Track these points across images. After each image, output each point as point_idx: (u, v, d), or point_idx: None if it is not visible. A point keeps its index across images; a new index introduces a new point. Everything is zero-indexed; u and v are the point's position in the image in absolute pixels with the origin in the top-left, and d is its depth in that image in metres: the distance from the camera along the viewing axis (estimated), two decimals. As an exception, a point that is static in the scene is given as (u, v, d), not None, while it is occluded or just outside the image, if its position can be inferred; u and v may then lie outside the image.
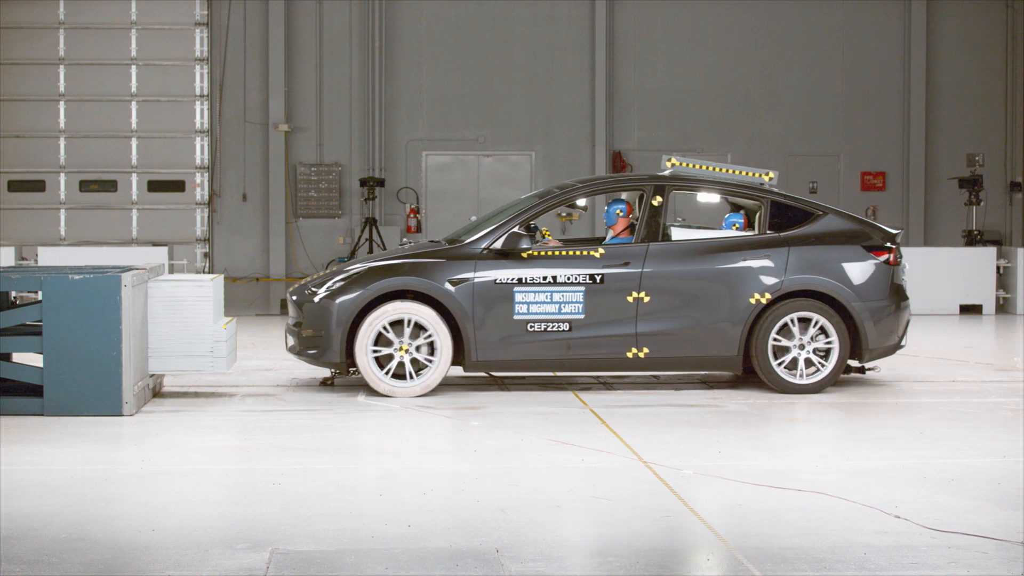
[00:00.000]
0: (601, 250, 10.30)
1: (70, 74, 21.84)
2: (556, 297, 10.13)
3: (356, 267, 10.32)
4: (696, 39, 22.74)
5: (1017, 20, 23.04)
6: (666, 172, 10.97)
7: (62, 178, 21.92)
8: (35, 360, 9.61)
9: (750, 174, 11.01)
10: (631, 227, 10.81)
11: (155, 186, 21.99)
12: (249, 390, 10.47)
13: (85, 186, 21.92)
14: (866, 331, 10.37)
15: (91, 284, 9.11)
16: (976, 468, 7.44)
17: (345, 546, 5.69)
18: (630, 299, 10.21)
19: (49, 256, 18.30)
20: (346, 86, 22.21)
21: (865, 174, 23.17)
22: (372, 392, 10.36)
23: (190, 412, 9.44)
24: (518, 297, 10.11)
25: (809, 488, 6.80)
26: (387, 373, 10.05)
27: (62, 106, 21.86)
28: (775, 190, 10.91)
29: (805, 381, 10.30)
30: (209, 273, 19.41)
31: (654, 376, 11.40)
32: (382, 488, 6.83)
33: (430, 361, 10.08)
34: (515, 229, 10.27)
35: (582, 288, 10.16)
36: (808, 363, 10.33)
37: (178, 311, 9.73)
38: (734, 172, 11.00)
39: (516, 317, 10.12)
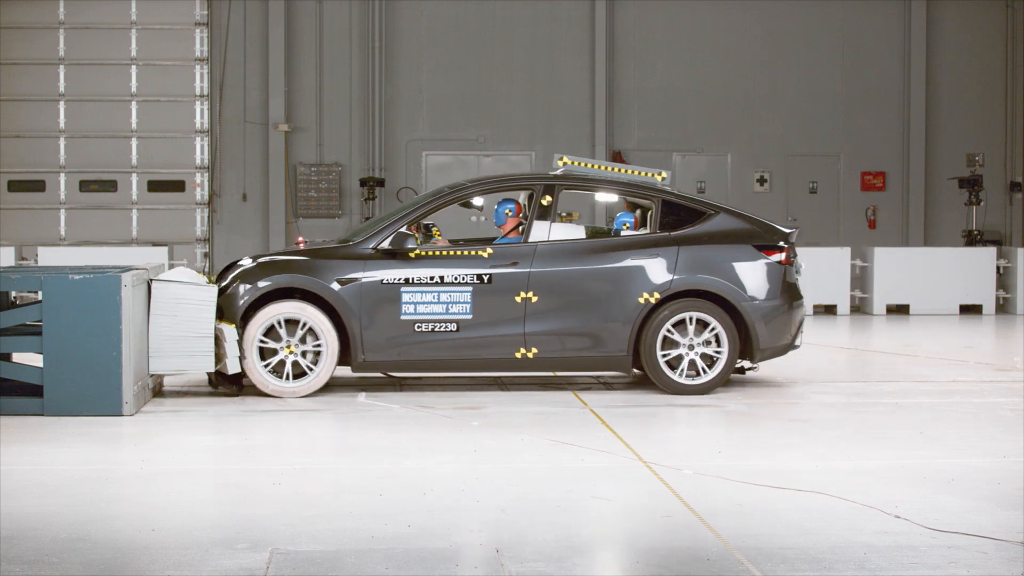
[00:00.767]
0: (489, 250, 10.22)
1: (70, 74, 21.85)
2: (443, 297, 10.08)
3: (247, 263, 10.26)
4: (696, 39, 22.75)
5: (1017, 20, 23.04)
6: (558, 171, 10.83)
7: (62, 178, 21.93)
8: (35, 360, 9.61)
9: (644, 174, 10.89)
10: (520, 227, 10.73)
11: (155, 186, 22.00)
12: (249, 390, 10.47)
13: (85, 186, 21.93)
14: (757, 331, 10.29)
15: (91, 284, 9.11)
16: (976, 468, 7.43)
17: (345, 546, 5.69)
18: (518, 299, 10.14)
19: (49, 256, 18.29)
20: (346, 86, 22.22)
21: (865, 174, 23.17)
22: (372, 393, 10.36)
23: (190, 412, 9.44)
24: (405, 297, 10.04)
25: (809, 488, 6.80)
26: (270, 370, 9.97)
27: (62, 106, 21.86)
28: (667, 189, 10.80)
29: (692, 382, 10.23)
30: (208, 273, 19.40)
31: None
32: (382, 488, 6.83)
33: (314, 364, 10.04)
34: (402, 229, 10.19)
35: (470, 288, 10.10)
36: (697, 363, 10.25)
37: (180, 311, 9.74)
38: (628, 172, 10.86)
39: (403, 317, 10.05)
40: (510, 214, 10.86)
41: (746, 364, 10.68)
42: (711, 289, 10.28)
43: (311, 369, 10.05)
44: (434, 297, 10.07)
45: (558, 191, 10.50)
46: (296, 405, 9.77)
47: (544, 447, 8.07)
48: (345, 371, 11.58)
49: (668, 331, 10.20)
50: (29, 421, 8.93)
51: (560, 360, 10.28)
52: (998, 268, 19.36)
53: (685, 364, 10.23)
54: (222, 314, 9.90)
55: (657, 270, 10.25)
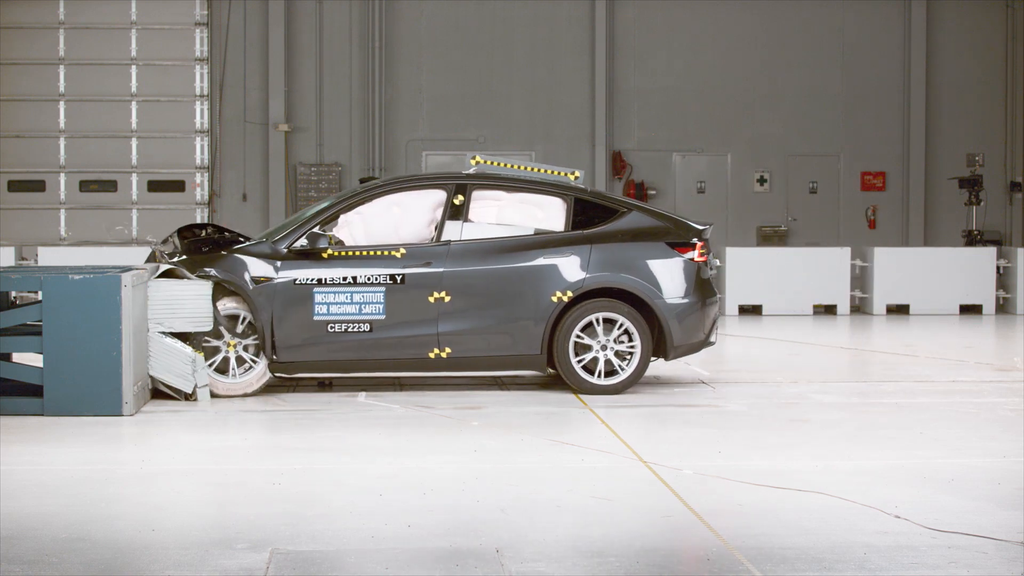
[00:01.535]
0: (402, 250, 10.17)
1: (70, 74, 21.85)
2: (356, 298, 10.04)
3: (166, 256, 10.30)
4: (696, 39, 22.75)
5: (1017, 20, 23.04)
6: (471, 170, 10.79)
7: (62, 178, 21.93)
8: (35, 360, 9.61)
9: (558, 173, 10.78)
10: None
11: (155, 186, 22.01)
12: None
13: (85, 186, 21.93)
14: (670, 328, 10.28)
15: (91, 284, 9.11)
16: (976, 468, 7.43)
17: (345, 546, 5.68)
18: (431, 299, 10.11)
19: (49, 256, 18.29)
20: (346, 86, 22.22)
21: (865, 174, 23.17)
22: (372, 393, 10.36)
23: (190, 412, 9.44)
24: (318, 298, 10.00)
25: (809, 488, 6.80)
26: (211, 366, 9.97)
27: (62, 106, 21.87)
28: (580, 187, 10.71)
29: (605, 382, 10.22)
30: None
31: (655, 376, 11.40)
32: (382, 488, 6.83)
33: (255, 360, 10.06)
34: (315, 229, 10.14)
35: (383, 288, 10.06)
36: (610, 363, 10.26)
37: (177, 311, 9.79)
38: (540, 171, 10.79)
39: (316, 318, 10.01)
40: None
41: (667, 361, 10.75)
42: (624, 287, 10.28)
43: (256, 362, 10.07)
44: (347, 297, 10.04)
45: (470, 190, 10.42)
46: (297, 405, 9.77)
47: (544, 447, 8.07)
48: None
49: (578, 336, 10.19)
50: (29, 421, 8.93)
51: (474, 360, 10.26)
52: (998, 268, 19.36)
53: (601, 365, 10.22)
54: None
55: (570, 268, 10.24)
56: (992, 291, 19.14)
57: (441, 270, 10.14)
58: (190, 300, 9.80)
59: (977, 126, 23.13)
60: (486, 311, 10.18)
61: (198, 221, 21.71)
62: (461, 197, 10.38)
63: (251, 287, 9.95)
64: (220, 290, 10.00)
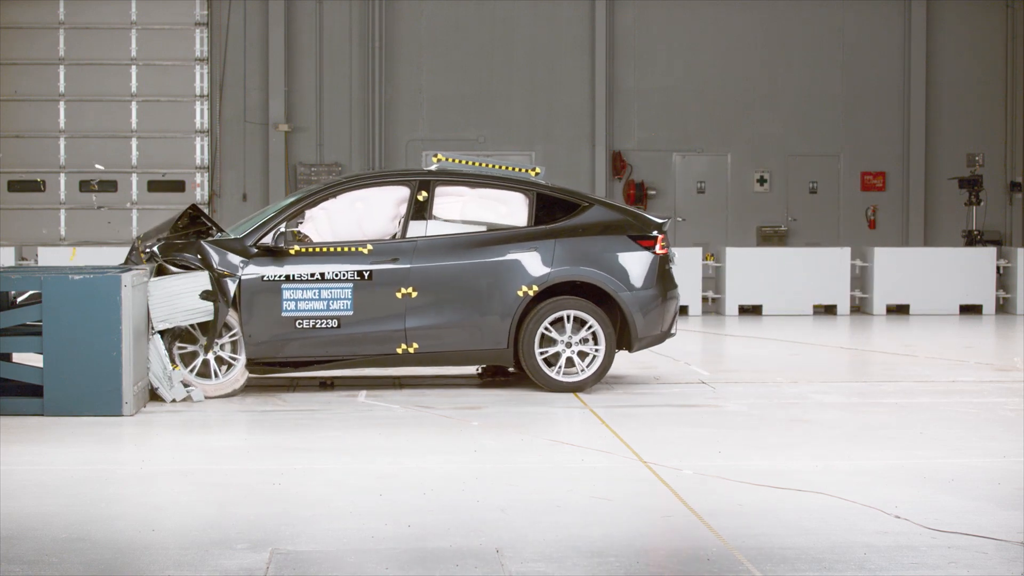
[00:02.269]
0: (369, 246, 10.20)
1: (70, 74, 21.85)
2: (324, 294, 10.06)
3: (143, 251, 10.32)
4: (696, 39, 22.75)
5: (1017, 20, 23.04)
6: (432, 167, 10.86)
7: (62, 178, 21.92)
8: (35, 360, 9.61)
9: (518, 170, 10.87)
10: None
11: (155, 186, 22.01)
12: (249, 390, 10.47)
13: (85, 186, 21.92)
14: (635, 321, 10.40)
15: (91, 284, 9.11)
16: (976, 468, 7.43)
17: (345, 546, 5.68)
18: (399, 295, 10.16)
19: (49, 256, 18.29)
20: (346, 86, 22.22)
21: (865, 174, 23.17)
22: (372, 393, 10.37)
23: (190, 412, 9.44)
24: (286, 294, 10.02)
25: (809, 488, 6.80)
26: (192, 371, 9.98)
27: (62, 106, 21.87)
28: (541, 182, 10.78)
29: (570, 379, 10.33)
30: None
31: (655, 376, 11.41)
32: (382, 488, 6.83)
33: (235, 358, 10.05)
34: (281, 226, 10.14)
35: (350, 285, 10.09)
36: (574, 360, 10.34)
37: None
38: (502, 168, 10.85)
39: (284, 314, 10.03)
40: None
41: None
42: (589, 280, 10.37)
43: (235, 360, 10.07)
44: (315, 294, 10.06)
45: (434, 187, 10.46)
46: (297, 405, 9.78)
47: (544, 447, 8.07)
48: (348, 372, 11.59)
49: (546, 329, 10.28)
50: (29, 421, 8.93)
51: (442, 355, 10.31)
52: (998, 268, 19.36)
53: (563, 361, 10.32)
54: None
55: (535, 263, 10.32)
56: (992, 291, 19.15)
57: (408, 266, 10.18)
58: (189, 293, 9.80)
59: (977, 126, 23.13)
60: (453, 306, 10.24)
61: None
62: (425, 193, 10.42)
63: (222, 280, 9.93)
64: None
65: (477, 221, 10.49)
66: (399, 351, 10.19)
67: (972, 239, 21.11)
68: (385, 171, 11.14)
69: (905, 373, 11.85)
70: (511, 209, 10.57)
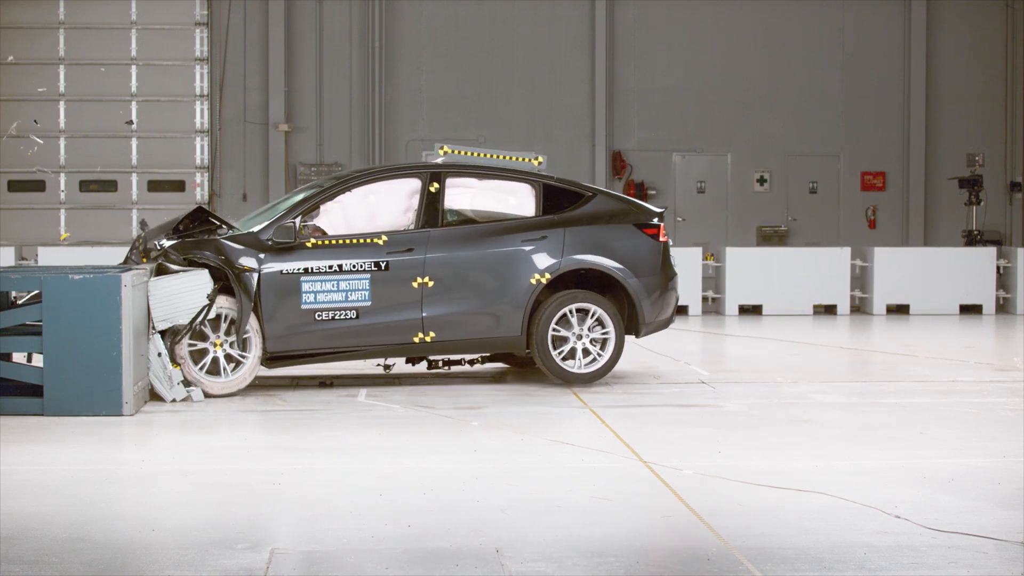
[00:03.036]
0: (384, 237, 10.29)
1: (70, 74, 21.84)
2: (343, 285, 10.14)
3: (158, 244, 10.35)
4: (696, 39, 22.75)
5: (1017, 20, 23.04)
6: (439, 159, 10.97)
7: (62, 178, 21.92)
8: (35, 360, 9.60)
9: (520, 159, 11.04)
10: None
11: (155, 186, 22.00)
12: (249, 390, 10.46)
13: (85, 186, 21.92)
14: (642, 307, 10.66)
15: (91, 284, 9.11)
16: (976, 468, 7.43)
17: (345, 546, 5.68)
18: (415, 284, 10.27)
19: (49, 256, 18.29)
20: (346, 86, 22.22)
21: (865, 174, 23.17)
22: (373, 393, 10.37)
23: (190, 412, 9.44)
24: (305, 287, 10.08)
25: (809, 488, 6.80)
26: (202, 369, 9.99)
27: (62, 106, 21.87)
28: (546, 173, 10.99)
29: (583, 370, 10.55)
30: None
31: (655, 376, 11.41)
32: (382, 488, 6.82)
33: (244, 356, 10.07)
34: (297, 219, 10.19)
35: (368, 275, 10.18)
36: (586, 350, 10.55)
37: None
38: (505, 158, 11.04)
39: (304, 307, 10.09)
40: None
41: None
42: (599, 268, 10.62)
43: (244, 358, 10.08)
44: (333, 285, 10.13)
45: (445, 178, 10.60)
46: (297, 404, 9.78)
47: (544, 447, 8.07)
48: (346, 370, 11.59)
49: (555, 329, 10.45)
50: (29, 421, 8.93)
51: (457, 343, 10.46)
52: (998, 268, 19.36)
53: (580, 354, 10.52)
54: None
55: (546, 251, 10.52)
56: (992, 291, 19.14)
57: (423, 256, 10.30)
58: (190, 292, 9.81)
59: (977, 126, 23.13)
60: (468, 295, 10.39)
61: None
62: (437, 185, 10.55)
63: (242, 276, 9.95)
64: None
65: (487, 211, 10.69)
66: (416, 340, 10.31)
67: (972, 239, 21.11)
68: (396, 164, 11.22)
69: (905, 373, 11.85)
70: (519, 200, 10.75)
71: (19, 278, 9.44)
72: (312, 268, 10.09)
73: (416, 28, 22.37)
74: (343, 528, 5.98)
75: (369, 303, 10.17)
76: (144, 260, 10.23)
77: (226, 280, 10.07)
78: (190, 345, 9.93)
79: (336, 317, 10.14)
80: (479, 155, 11.05)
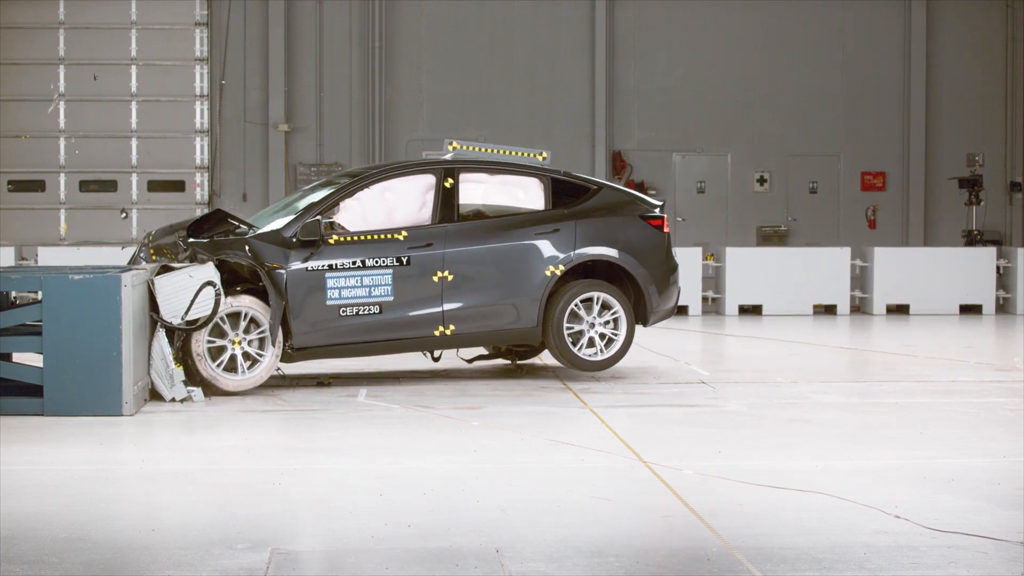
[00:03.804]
0: (404, 232, 10.42)
1: (70, 74, 21.84)
2: (366, 281, 10.25)
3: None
4: (696, 39, 22.75)
5: (1017, 20, 23.04)
6: (448, 155, 11.09)
7: (62, 178, 21.92)
8: (35, 360, 9.61)
9: (526, 154, 11.33)
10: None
11: (155, 186, 22.00)
12: (249, 390, 10.45)
13: (85, 186, 21.92)
14: (650, 297, 10.99)
15: (91, 284, 9.11)
16: (976, 468, 7.43)
17: (345, 546, 5.68)
18: (435, 279, 10.42)
19: (49, 256, 18.29)
20: (346, 86, 22.22)
21: (865, 174, 23.17)
22: (373, 392, 10.37)
23: (190, 412, 9.44)
24: (330, 283, 10.17)
25: (809, 488, 6.80)
26: (219, 366, 10.01)
27: (62, 106, 21.86)
28: (552, 168, 11.27)
29: (595, 358, 10.80)
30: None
31: (654, 376, 11.41)
32: (382, 488, 6.82)
33: (261, 355, 10.10)
34: (319, 216, 10.25)
35: (390, 271, 10.30)
36: (596, 341, 10.80)
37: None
38: (511, 153, 11.28)
39: (329, 303, 10.19)
40: None
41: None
42: (610, 259, 10.88)
43: (261, 356, 10.11)
44: (357, 281, 10.24)
45: (458, 174, 10.77)
46: (297, 404, 9.78)
47: (544, 447, 8.07)
48: (346, 369, 11.59)
49: (575, 307, 10.71)
50: (29, 421, 8.92)
51: (476, 335, 10.65)
52: (998, 268, 19.36)
53: (597, 340, 10.79)
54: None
55: (559, 244, 10.75)
56: (992, 291, 19.15)
57: (443, 251, 10.45)
58: (194, 288, 9.81)
59: (977, 126, 23.12)
60: (486, 288, 10.57)
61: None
62: (451, 180, 10.71)
63: (273, 274, 10.02)
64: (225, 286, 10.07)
65: (499, 206, 10.92)
66: (436, 333, 10.45)
67: (972, 239, 21.11)
68: (409, 161, 11.30)
69: (905, 373, 11.85)
70: (528, 194, 10.97)
71: (19, 278, 9.44)
72: (336, 264, 10.19)
73: (416, 28, 22.37)
74: (343, 528, 5.98)
75: (391, 298, 10.30)
76: (154, 258, 10.23)
77: (251, 280, 10.13)
78: (208, 342, 9.94)
79: (360, 312, 10.25)
80: (487, 151, 11.23)
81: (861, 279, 19.43)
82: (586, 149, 22.49)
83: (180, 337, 9.84)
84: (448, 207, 10.62)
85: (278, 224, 10.35)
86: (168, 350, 9.72)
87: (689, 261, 18.23)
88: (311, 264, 10.13)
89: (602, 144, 22.47)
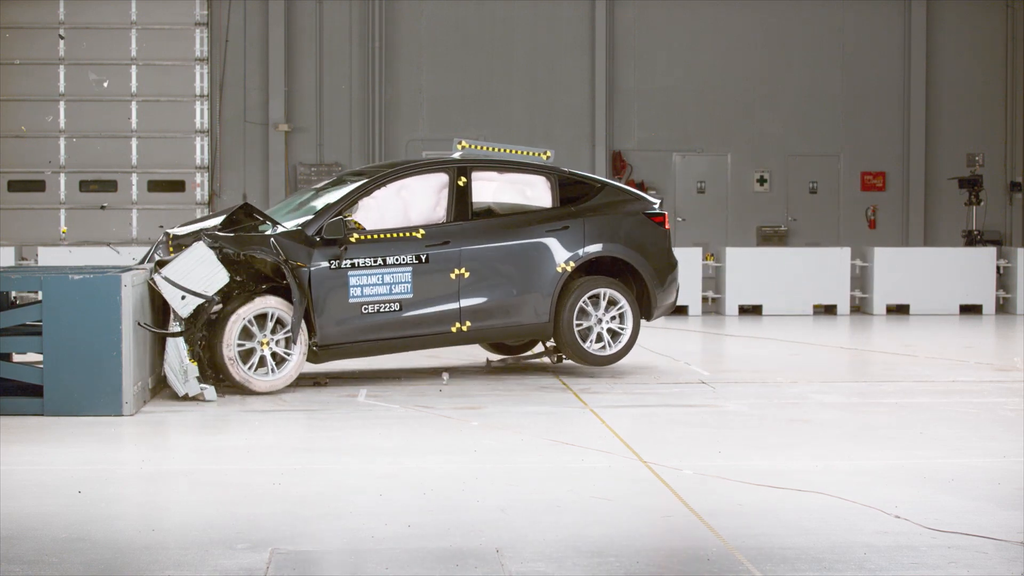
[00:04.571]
0: (422, 231, 10.53)
1: (70, 74, 21.84)
2: (387, 279, 10.35)
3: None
4: (696, 39, 22.75)
5: (1017, 20, 23.04)
6: (457, 154, 11.24)
7: (62, 178, 21.92)
8: (35, 360, 9.60)
9: (531, 153, 11.51)
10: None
11: (155, 186, 22.00)
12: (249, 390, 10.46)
13: (85, 186, 21.92)
14: (654, 292, 11.25)
15: (91, 284, 9.11)
16: (976, 468, 7.43)
17: (345, 546, 5.68)
18: (452, 276, 10.55)
19: (49, 256, 18.29)
20: (346, 86, 22.22)
21: (865, 174, 23.17)
22: (373, 392, 10.37)
23: (190, 412, 9.44)
24: (352, 281, 10.25)
25: (809, 488, 6.80)
26: (250, 368, 10.04)
27: (62, 106, 21.86)
28: (558, 167, 11.44)
29: (607, 352, 11.03)
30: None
31: (655, 377, 11.41)
32: (382, 488, 6.82)
33: (288, 354, 10.14)
34: (342, 216, 10.32)
35: (410, 268, 10.41)
36: (605, 334, 11.01)
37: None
38: (517, 152, 11.46)
39: (352, 300, 10.27)
40: None
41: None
42: (618, 256, 11.11)
43: (288, 356, 10.14)
44: (379, 279, 10.33)
45: (470, 172, 10.90)
46: (297, 405, 9.77)
47: (544, 447, 8.07)
48: (347, 369, 11.59)
49: (584, 303, 10.90)
50: (29, 421, 8.92)
51: (490, 331, 10.83)
52: (998, 268, 19.36)
53: (606, 335, 11.01)
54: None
55: (570, 241, 10.95)
56: (992, 291, 19.15)
57: (459, 248, 10.59)
58: (197, 265, 9.81)
59: (977, 126, 23.13)
60: (501, 284, 10.73)
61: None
62: (464, 179, 10.84)
63: (298, 272, 10.06)
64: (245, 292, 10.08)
65: (509, 203, 11.06)
66: (453, 330, 10.59)
67: (972, 239, 21.12)
68: (420, 159, 11.34)
69: (905, 373, 11.85)
70: (536, 192, 11.14)
71: (19, 278, 9.44)
72: (359, 263, 10.26)
73: (416, 28, 22.37)
74: (343, 528, 5.98)
75: (411, 295, 10.41)
76: (173, 253, 10.24)
77: (273, 278, 10.16)
78: (239, 345, 9.96)
79: (381, 310, 10.35)
80: (494, 149, 11.39)
81: (861, 279, 19.43)
82: (586, 149, 22.48)
83: (202, 327, 9.81)
84: (462, 205, 10.74)
85: (294, 222, 10.40)
86: (183, 346, 9.71)
87: (689, 261, 18.23)
88: (335, 262, 10.19)
89: (602, 144, 22.47)
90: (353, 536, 5.85)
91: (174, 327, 9.74)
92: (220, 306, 9.92)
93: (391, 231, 10.45)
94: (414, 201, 10.70)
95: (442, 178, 10.83)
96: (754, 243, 22.70)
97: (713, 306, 19.30)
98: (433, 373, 11.53)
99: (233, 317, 9.90)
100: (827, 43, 22.88)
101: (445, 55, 22.41)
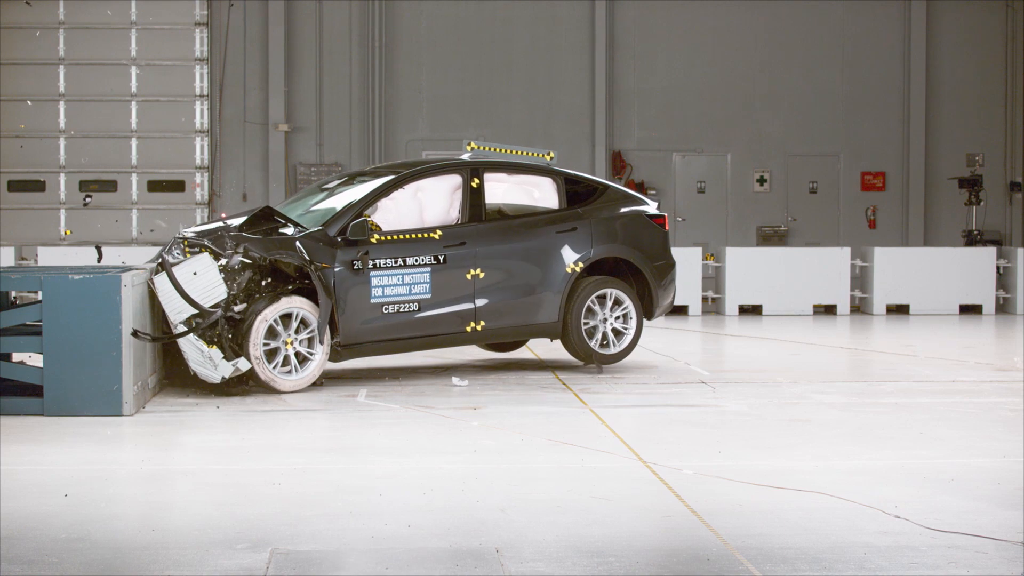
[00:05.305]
0: (439, 231, 10.65)
1: (70, 74, 21.84)
2: (407, 279, 10.47)
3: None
4: (696, 39, 22.75)
5: (1017, 20, 23.04)
6: (466, 155, 11.39)
7: (62, 178, 21.92)
8: (35, 360, 9.60)
9: (534, 154, 11.76)
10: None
11: (155, 186, 22.00)
12: (250, 391, 10.46)
13: (85, 186, 21.92)
14: (655, 291, 11.57)
15: (91, 284, 9.11)
16: (976, 468, 7.43)
17: (345, 546, 5.68)
18: (468, 276, 10.70)
19: (49, 256, 18.29)
20: (346, 86, 22.22)
21: (865, 174, 23.17)
22: (373, 392, 10.37)
23: (190, 412, 9.44)
24: (374, 281, 10.35)
25: (809, 488, 6.80)
26: (275, 367, 10.08)
27: (62, 106, 21.86)
28: (561, 168, 11.65)
29: (613, 350, 11.30)
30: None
31: (655, 377, 11.41)
32: (382, 488, 6.83)
33: (311, 353, 10.21)
34: (363, 217, 10.40)
35: (428, 269, 10.53)
36: (610, 333, 11.29)
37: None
38: (522, 153, 11.70)
39: (373, 300, 10.38)
40: None
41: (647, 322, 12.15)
42: (624, 256, 11.40)
43: (311, 355, 10.23)
44: (399, 279, 10.45)
45: (483, 173, 11.07)
46: (297, 405, 9.77)
47: (544, 447, 8.07)
48: (345, 368, 11.59)
49: (592, 303, 11.14)
50: (29, 421, 8.92)
51: (503, 330, 10.99)
52: (998, 268, 19.36)
53: (611, 335, 11.28)
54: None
55: (578, 242, 11.18)
56: (992, 291, 19.15)
57: (475, 249, 10.74)
58: (201, 274, 9.83)
59: (977, 126, 23.13)
60: (514, 284, 10.92)
61: (198, 221, 21.70)
62: (477, 180, 11.00)
63: (323, 273, 10.12)
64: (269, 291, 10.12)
65: (519, 205, 11.25)
66: (468, 329, 10.77)
67: (972, 239, 21.12)
68: (443, 161, 11.38)
69: (905, 373, 11.85)
70: (543, 193, 11.34)
71: (19, 278, 9.44)
72: (380, 263, 10.36)
73: (416, 28, 22.37)
74: (343, 528, 5.98)
75: (429, 295, 10.56)
76: (188, 254, 10.25)
77: (297, 279, 10.19)
78: (264, 344, 9.98)
79: (400, 310, 10.48)
80: (502, 150, 11.58)
81: (861, 279, 19.43)
82: (586, 149, 22.48)
83: (220, 321, 9.81)
84: (476, 206, 10.89)
85: (314, 223, 10.46)
86: (195, 336, 9.71)
87: (689, 261, 18.24)
88: (357, 263, 10.26)
89: (602, 144, 22.47)
90: (353, 536, 5.85)
91: (179, 329, 9.74)
92: (244, 305, 9.96)
93: (410, 232, 10.55)
94: (429, 202, 10.82)
95: (456, 179, 10.96)
96: (754, 243, 22.70)
97: (713, 306, 19.31)
98: (433, 373, 11.54)
99: (260, 317, 9.94)
100: (827, 43, 22.88)
101: (445, 55, 22.41)
